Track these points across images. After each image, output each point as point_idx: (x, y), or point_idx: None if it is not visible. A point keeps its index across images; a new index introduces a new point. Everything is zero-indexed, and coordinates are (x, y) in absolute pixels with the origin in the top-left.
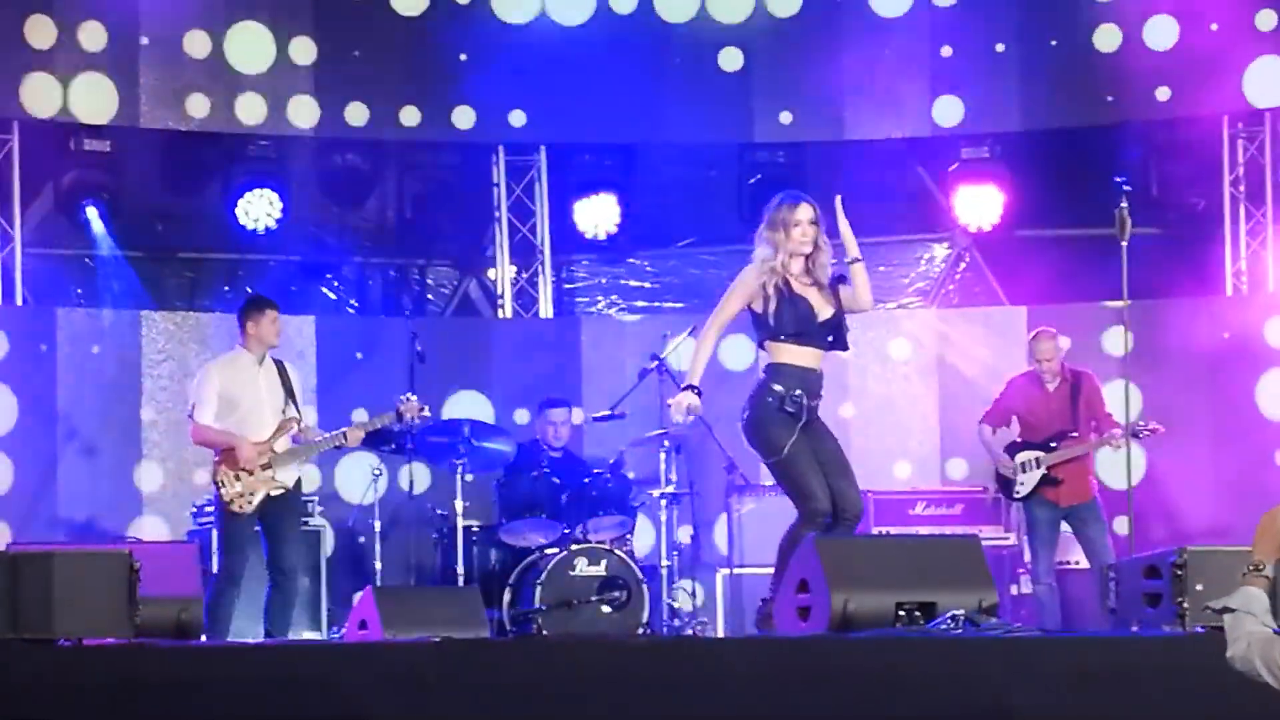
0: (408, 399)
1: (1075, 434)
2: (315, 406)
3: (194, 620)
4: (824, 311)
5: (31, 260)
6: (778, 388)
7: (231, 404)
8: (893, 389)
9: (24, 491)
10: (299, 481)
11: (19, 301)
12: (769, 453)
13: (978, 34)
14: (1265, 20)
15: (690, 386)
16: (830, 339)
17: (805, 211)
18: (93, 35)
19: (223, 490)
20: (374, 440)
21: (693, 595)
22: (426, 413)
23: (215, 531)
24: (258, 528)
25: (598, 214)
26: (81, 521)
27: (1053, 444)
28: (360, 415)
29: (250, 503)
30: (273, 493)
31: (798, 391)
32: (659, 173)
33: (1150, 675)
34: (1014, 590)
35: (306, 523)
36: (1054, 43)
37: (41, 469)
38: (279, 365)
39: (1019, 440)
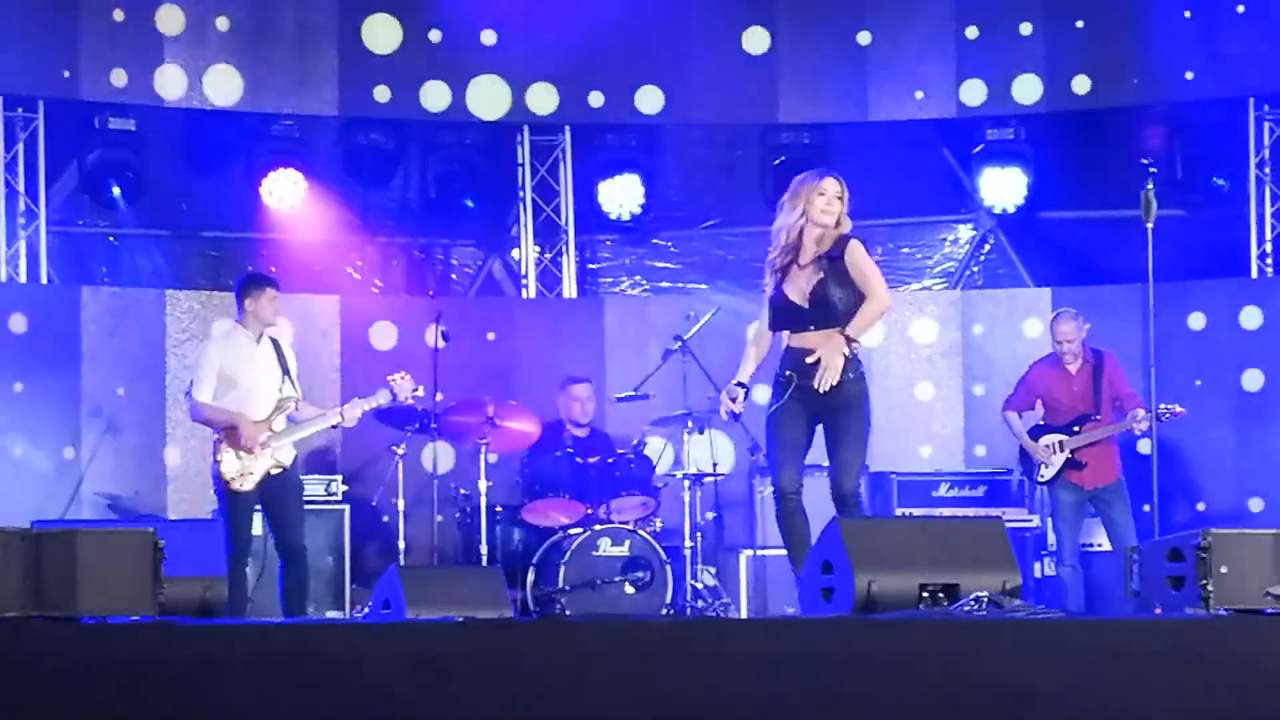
0: (400, 378)
1: (1098, 416)
2: (339, 386)
3: (218, 599)
4: (808, 290)
5: (56, 238)
6: (778, 369)
7: (230, 381)
8: (916, 370)
9: (48, 470)
10: (296, 460)
11: (44, 280)
12: (766, 429)
13: (1004, 15)
14: None
15: (738, 384)
16: (828, 315)
17: (831, 185)
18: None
19: (222, 468)
20: (398, 420)
21: (716, 577)
22: (420, 391)
23: (219, 511)
24: (258, 507)
25: (622, 194)
26: (105, 500)
27: (1076, 427)
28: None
29: (250, 481)
30: (272, 471)
31: (788, 372)
32: (683, 153)
33: (1173, 658)
34: (1037, 572)
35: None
36: (1080, 24)
37: (65, 447)
38: (275, 343)
39: (1042, 423)
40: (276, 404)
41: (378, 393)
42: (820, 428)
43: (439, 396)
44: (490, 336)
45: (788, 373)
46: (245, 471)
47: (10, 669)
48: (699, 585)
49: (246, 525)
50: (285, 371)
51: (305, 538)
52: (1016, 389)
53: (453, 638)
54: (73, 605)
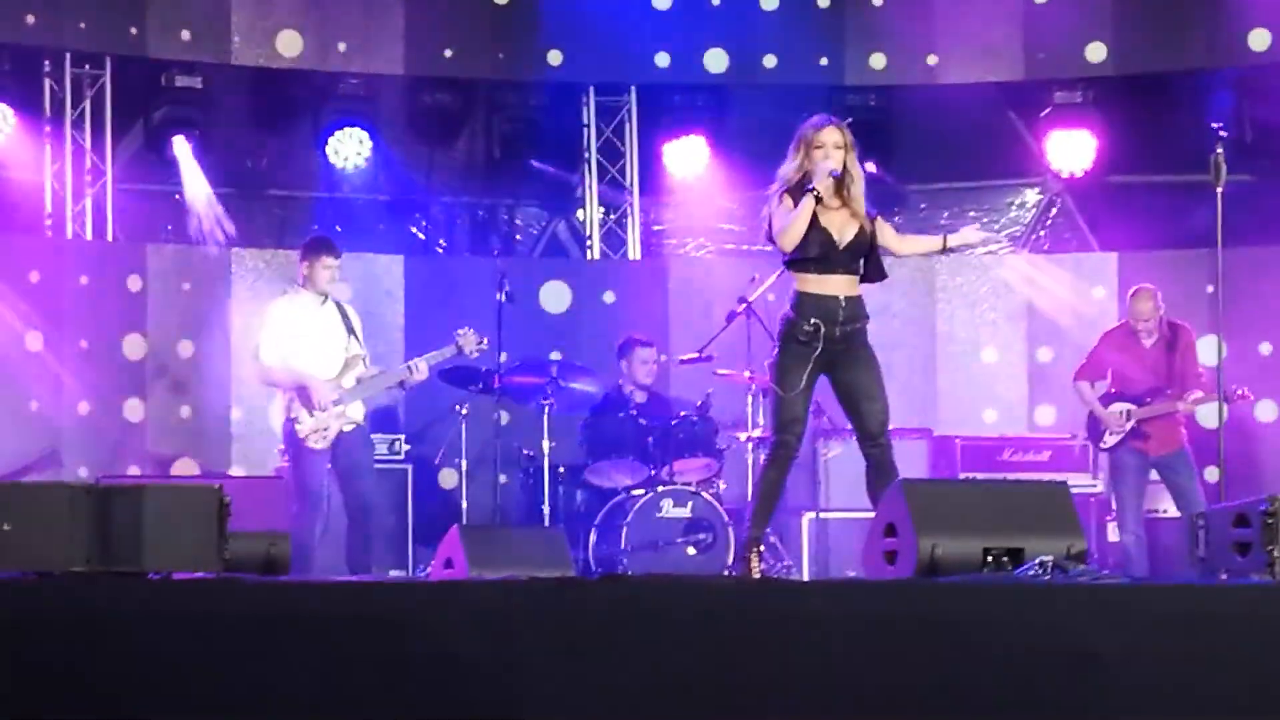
0: (465, 332)
1: (1169, 391)
2: (403, 345)
3: (282, 555)
4: (846, 235)
5: (123, 196)
6: (793, 316)
7: (297, 341)
8: (981, 334)
9: (114, 426)
10: (366, 417)
11: (109, 238)
12: (773, 380)
13: None
14: None
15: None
16: (858, 265)
17: (831, 134)
18: None
19: (298, 427)
20: (461, 379)
21: (778, 539)
22: (485, 345)
23: (290, 469)
24: (329, 465)
25: (687, 156)
26: (171, 456)
27: (1146, 399)
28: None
29: (325, 438)
30: (345, 429)
31: (813, 320)
32: (749, 115)
33: (1238, 624)
34: (1108, 537)
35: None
36: None
37: (130, 404)
38: (339, 304)
39: (1112, 391)
40: (344, 363)
41: (444, 348)
42: (830, 378)
43: (503, 356)
44: (609, 298)
45: (813, 321)
46: (320, 428)
47: (77, 624)
48: (761, 546)
49: (319, 482)
50: (350, 331)
51: (375, 496)
52: (1088, 359)
53: (515, 597)
54: (139, 560)
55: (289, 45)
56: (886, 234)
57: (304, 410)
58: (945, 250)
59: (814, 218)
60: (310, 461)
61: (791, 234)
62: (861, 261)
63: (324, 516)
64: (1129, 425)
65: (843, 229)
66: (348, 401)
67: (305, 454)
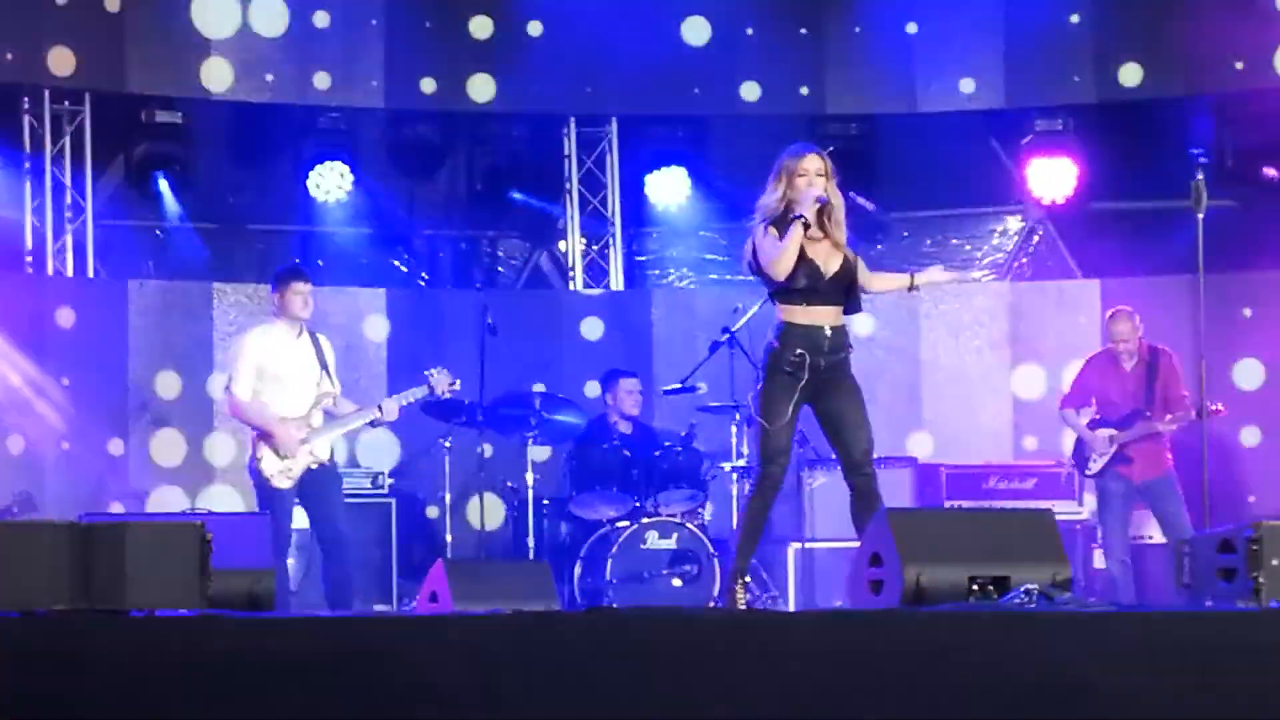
0: (437, 372)
1: (1150, 414)
2: (385, 378)
3: (266, 592)
4: (831, 266)
5: (103, 232)
6: (778, 346)
7: (269, 376)
8: (965, 362)
9: (96, 463)
10: (333, 452)
11: (90, 273)
12: (757, 412)
13: (1052, 5)
14: None
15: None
16: (842, 295)
17: (812, 162)
18: (164, 7)
19: (262, 466)
20: (444, 412)
21: (763, 569)
22: (457, 385)
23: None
24: (297, 501)
25: (669, 186)
26: (153, 493)
27: (1128, 423)
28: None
29: (290, 477)
30: (310, 466)
31: (799, 351)
32: (730, 145)
33: (1224, 651)
34: (1094, 564)
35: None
36: (1129, 14)
37: (113, 440)
38: (314, 337)
39: (1096, 417)
40: (315, 398)
41: (415, 388)
42: (814, 408)
43: (482, 388)
44: (591, 329)
45: (799, 351)
46: (285, 469)
47: (59, 662)
48: (747, 578)
49: (285, 520)
50: (324, 366)
51: (347, 529)
52: (1073, 387)
53: (500, 630)
54: (121, 598)
55: (269, 79)
56: (860, 268)
57: (269, 451)
58: (912, 288)
59: (801, 250)
60: (274, 499)
61: (784, 263)
62: (845, 292)
63: (305, 553)
64: (1112, 449)
65: (827, 260)
66: (315, 440)
67: (270, 492)
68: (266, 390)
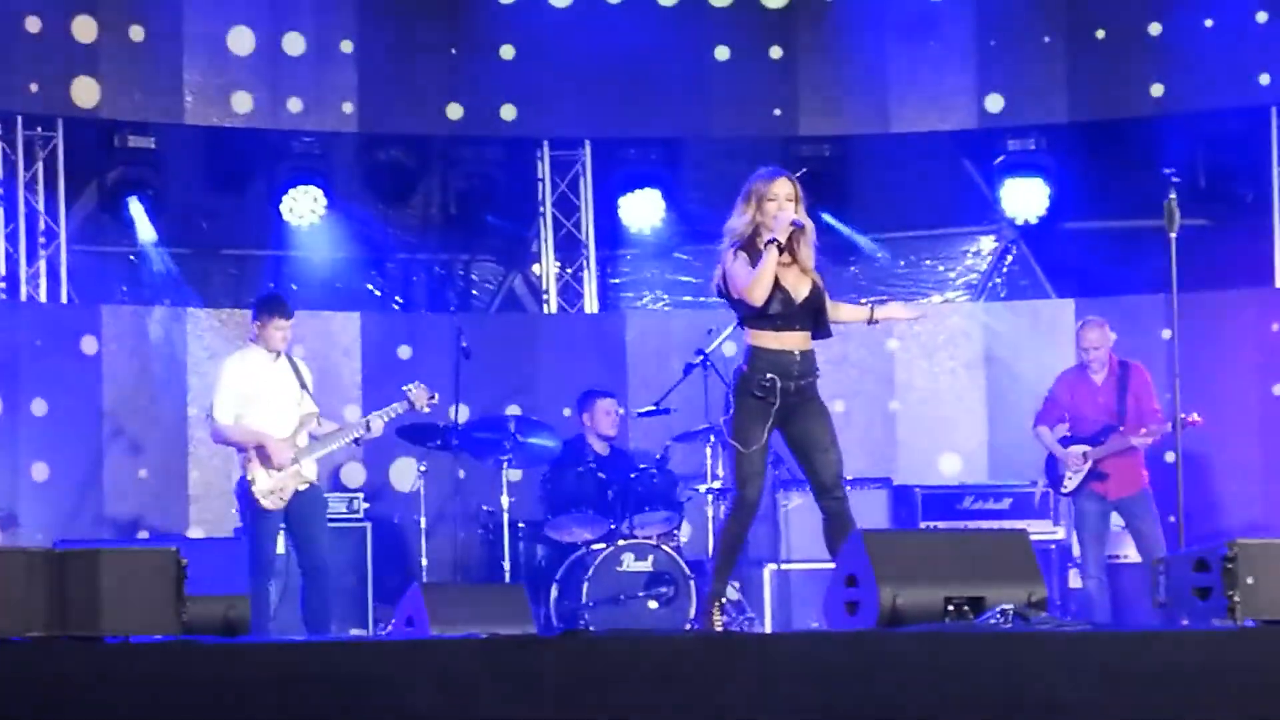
0: (415, 387)
1: (1122, 429)
2: (360, 403)
3: (241, 617)
4: (801, 291)
5: (76, 257)
6: (748, 371)
7: (251, 400)
8: (940, 383)
9: (70, 489)
10: (317, 475)
11: (64, 299)
12: (731, 436)
13: (1025, 25)
14: None
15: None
16: (811, 321)
17: (782, 186)
18: (136, 33)
19: (255, 487)
20: (419, 436)
21: (740, 591)
22: (435, 399)
23: (245, 529)
24: (283, 524)
25: (643, 209)
26: (128, 519)
27: (1100, 438)
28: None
29: (282, 499)
30: (299, 487)
31: (769, 376)
32: (703, 167)
33: (1200, 670)
34: (1070, 584)
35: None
36: (1101, 34)
37: (87, 467)
38: (291, 360)
39: (1069, 434)
40: (299, 419)
41: (395, 404)
42: (783, 432)
43: (457, 411)
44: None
45: (770, 376)
46: (277, 488)
47: (35, 689)
48: (723, 600)
49: (271, 544)
50: (303, 386)
51: (329, 558)
52: (1045, 404)
53: (476, 655)
54: (96, 625)
55: (242, 104)
56: (827, 303)
57: (261, 470)
58: (871, 321)
59: (776, 278)
60: (263, 521)
61: (759, 289)
62: (814, 317)
63: (281, 578)
64: (1086, 466)
65: (797, 284)
66: (302, 459)
67: (259, 514)
68: (250, 414)
